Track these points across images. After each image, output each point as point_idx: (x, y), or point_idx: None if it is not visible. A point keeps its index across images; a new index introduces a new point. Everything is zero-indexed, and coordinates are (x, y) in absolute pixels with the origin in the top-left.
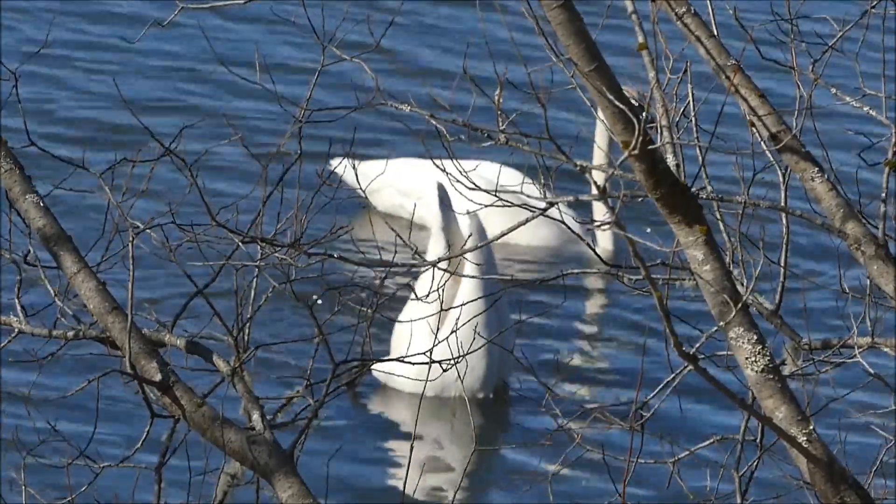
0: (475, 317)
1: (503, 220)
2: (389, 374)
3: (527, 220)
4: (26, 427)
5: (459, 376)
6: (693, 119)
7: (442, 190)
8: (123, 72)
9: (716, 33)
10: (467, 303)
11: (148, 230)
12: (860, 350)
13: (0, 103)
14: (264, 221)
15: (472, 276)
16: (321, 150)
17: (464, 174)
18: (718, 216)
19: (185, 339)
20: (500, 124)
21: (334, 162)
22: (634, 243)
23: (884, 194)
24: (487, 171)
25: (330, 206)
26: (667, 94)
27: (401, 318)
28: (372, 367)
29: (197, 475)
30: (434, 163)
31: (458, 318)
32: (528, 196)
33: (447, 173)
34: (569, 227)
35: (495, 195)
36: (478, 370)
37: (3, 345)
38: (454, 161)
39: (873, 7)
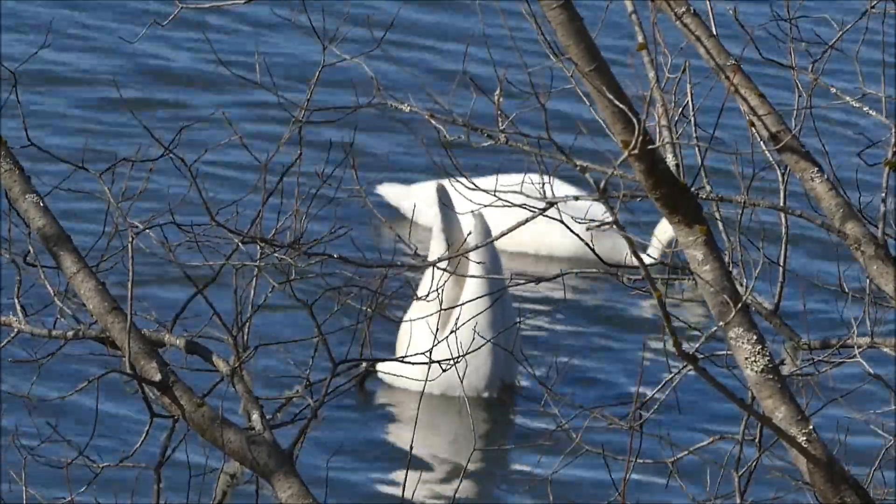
0: (476, 316)
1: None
2: (392, 373)
3: (527, 220)
4: (26, 427)
5: (460, 376)
6: (692, 119)
7: (442, 190)
8: (122, 71)
9: (715, 33)
10: (467, 302)
11: (147, 230)
12: (860, 350)
13: None
14: (265, 218)
15: (473, 276)
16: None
17: (465, 175)
18: (718, 216)
19: (185, 338)
20: (500, 124)
21: (381, 188)
22: (634, 243)
23: (884, 194)
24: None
25: (330, 206)
26: (666, 94)
27: (406, 317)
28: (375, 368)
29: (197, 475)
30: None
31: (457, 318)
32: (528, 196)
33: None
34: (569, 228)
35: (495, 195)
36: (483, 369)
37: (2, 345)
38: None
39: (873, 7)
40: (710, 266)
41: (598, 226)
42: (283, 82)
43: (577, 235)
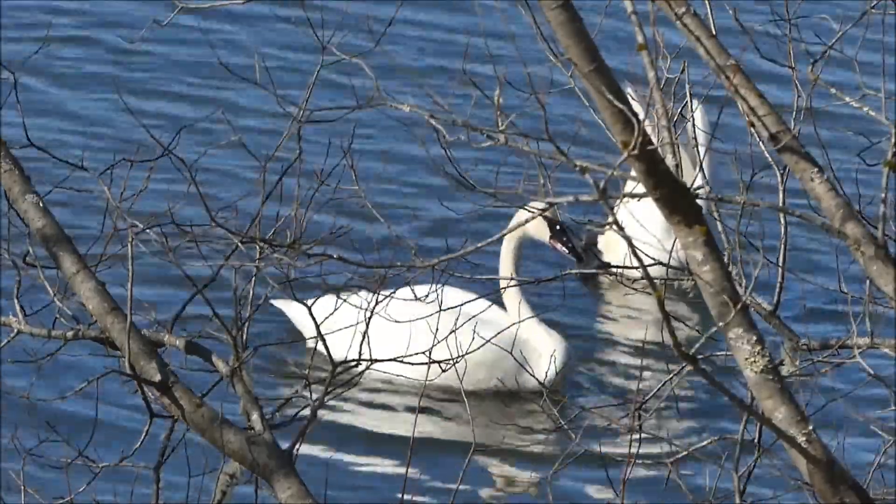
0: (474, 316)
1: None
2: (389, 372)
3: (526, 221)
4: (26, 427)
5: (459, 375)
6: (692, 119)
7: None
8: (122, 72)
9: (714, 33)
10: (467, 303)
11: (147, 230)
12: (859, 350)
13: None
14: (263, 218)
15: (478, 278)
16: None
17: (462, 175)
18: (717, 216)
19: (185, 339)
20: (500, 124)
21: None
22: (634, 245)
23: (883, 194)
24: None
25: (329, 206)
26: (665, 95)
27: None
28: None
29: (196, 475)
30: None
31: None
32: (529, 197)
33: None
34: (569, 229)
35: (494, 196)
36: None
37: (2, 345)
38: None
39: (873, 7)
40: (709, 266)
41: (599, 226)
42: (282, 82)
43: (578, 236)
